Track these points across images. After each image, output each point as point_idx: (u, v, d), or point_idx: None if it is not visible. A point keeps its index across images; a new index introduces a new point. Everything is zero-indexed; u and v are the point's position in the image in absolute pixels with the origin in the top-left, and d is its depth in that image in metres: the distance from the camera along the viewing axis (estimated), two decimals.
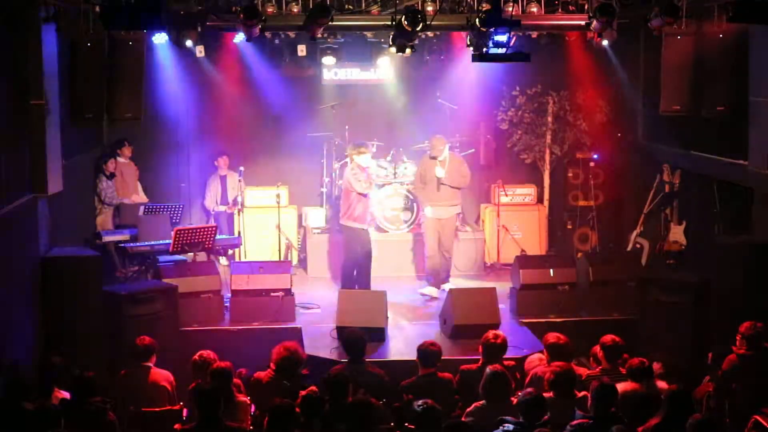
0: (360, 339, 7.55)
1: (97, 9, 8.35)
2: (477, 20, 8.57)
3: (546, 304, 10.14)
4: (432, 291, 10.90)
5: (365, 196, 10.60)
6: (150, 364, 7.35)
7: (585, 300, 10.28)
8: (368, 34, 11.50)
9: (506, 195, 12.70)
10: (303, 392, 6.42)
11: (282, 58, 12.23)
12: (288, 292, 10.05)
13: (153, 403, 7.12)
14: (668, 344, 8.72)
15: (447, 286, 10.74)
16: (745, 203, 9.99)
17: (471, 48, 9.04)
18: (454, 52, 12.19)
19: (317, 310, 10.44)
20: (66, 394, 6.76)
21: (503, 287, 10.65)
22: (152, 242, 10.81)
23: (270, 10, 9.69)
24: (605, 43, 9.99)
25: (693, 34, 9.59)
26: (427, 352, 7.31)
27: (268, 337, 9.03)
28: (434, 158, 10.78)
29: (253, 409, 6.97)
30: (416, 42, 9.56)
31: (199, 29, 9.68)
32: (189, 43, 9.97)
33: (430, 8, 9.63)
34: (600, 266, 10.47)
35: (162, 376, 7.32)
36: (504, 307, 10.00)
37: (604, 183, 13.00)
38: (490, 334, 7.47)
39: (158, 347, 7.50)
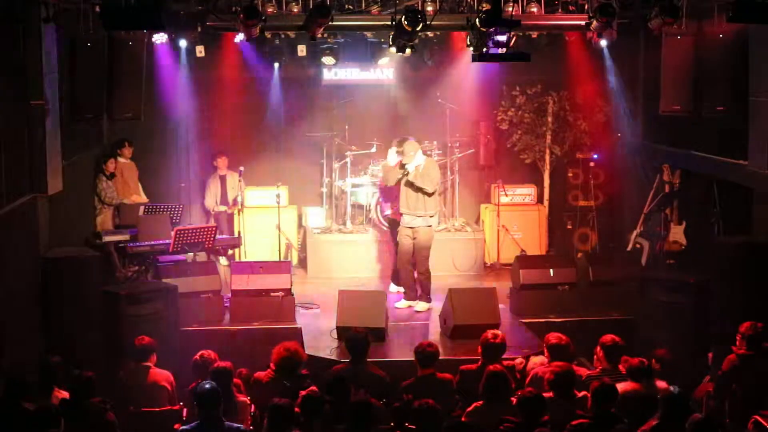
0: (363, 339, 7.53)
1: (97, 9, 8.35)
2: (477, 20, 8.57)
3: (546, 304, 10.14)
4: (404, 304, 10.46)
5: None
6: (150, 364, 7.35)
7: (585, 300, 10.28)
8: (368, 34, 11.50)
9: (506, 195, 12.70)
10: (303, 392, 6.43)
11: (282, 58, 12.23)
12: (288, 292, 10.05)
13: (153, 403, 7.12)
14: (668, 344, 8.71)
15: (421, 306, 10.40)
16: (745, 203, 9.99)
17: (471, 48, 9.04)
18: (454, 52, 12.20)
19: (317, 309, 10.43)
20: (66, 394, 6.76)
21: (503, 287, 10.66)
22: (152, 242, 10.80)
23: (270, 10, 9.70)
24: (604, 43, 9.99)
25: (693, 34, 9.59)
26: (425, 353, 7.31)
27: (268, 337, 9.04)
28: (403, 166, 10.25)
29: (253, 409, 6.97)
30: (416, 42, 9.55)
31: (199, 29, 9.68)
32: (188, 43, 9.99)
33: (430, 8, 9.63)
34: (600, 266, 10.47)
35: (162, 376, 7.32)
36: (504, 307, 10.00)
37: (604, 183, 13.00)
38: (489, 334, 7.46)
39: (158, 347, 7.50)
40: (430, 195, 10.20)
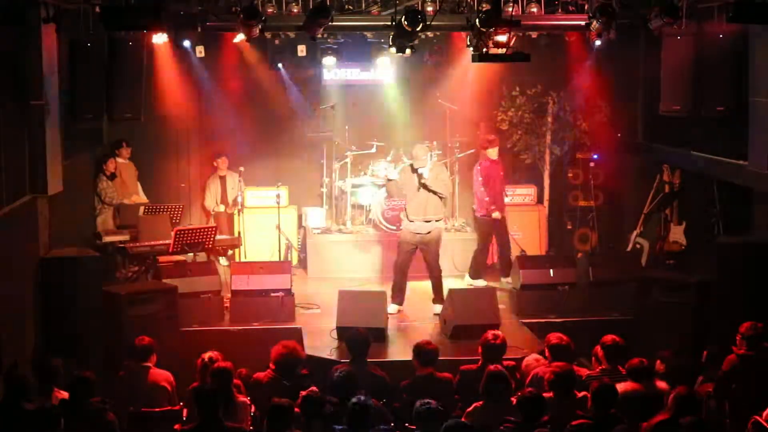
0: (364, 339, 7.53)
1: (97, 9, 8.35)
2: (477, 20, 8.56)
3: (546, 304, 10.14)
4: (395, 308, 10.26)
5: None
6: (149, 365, 7.34)
7: (585, 300, 10.28)
8: (368, 34, 11.50)
9: (506, 195, 12.67)
10: (303, 392, 6.43)
11: (282, 58, 12.24)
12: (288, 292, 10.04)
13: (153, 404, 7.11)
14: (668, 344, 8.72)
15: (439, 309, 10.26)
16: (745, 203, 9.99)
17: (471, 48, 9.03)
18: (454, 52, 12.20)
19: (317, 310, 10.42)
20: (65, 394, 6.76)
21: (503, 287, 10.64)
22: (152, 242, 10.80)
23: (270, 10, 9.70)
24: (598, 43, 10.00)
25: (693, 34, 9.59)
26: (424, 351, 7.31)
27: (268, 337, 9.01)
28: (416, 171, 10.06)
29: (253, 409, 6.96)
30: (416, 42, 9.54)
31: (199, 29, 9.68)
32: (189, 43, 9.99)
33: (430, 8, 9.63)
34: (600, 266, 10.47)
35: (162, 376, 7.30)
36: (504, 307, 10.00)
37: (604, 183, 12.99)
38: (490, 334, 7.47)
39: (158, 347, 7.49)
40: (443, 198, 10.18)
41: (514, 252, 11.88)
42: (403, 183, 10.32)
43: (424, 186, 10.04)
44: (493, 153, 11.47)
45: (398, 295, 10.30)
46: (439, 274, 10.33)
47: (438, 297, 10.27)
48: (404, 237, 10.33)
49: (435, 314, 10.16)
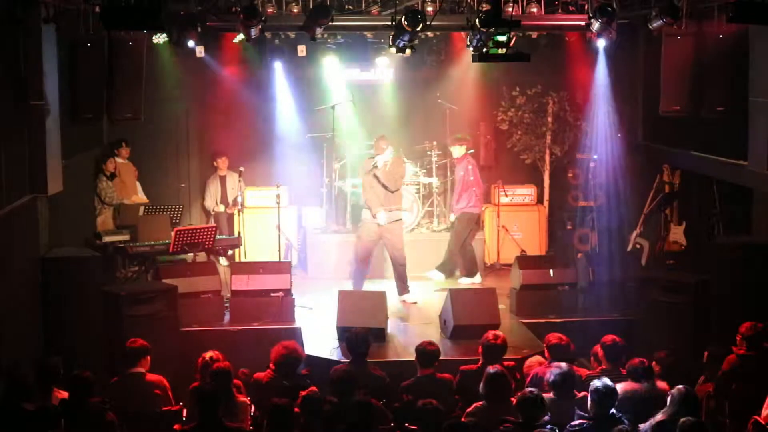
0: (364, 340, 7.53)
1: (97, 9, 8.35)
2: (477, 20, 8.57)
3: (546, 304, 10.14)
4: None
5: None
6: (142, 370, 7.17)
7: (585, 300, 10.28)
8: (368, 34, 11.51)
9: (506, 195, 12.69)
10: (303, 392, 6.43)
11: (282, 58, 12.24)
12: (288, 292, 10.04)
13: (147, 410, 7.05)
14: (668, 344, 8.71)
15: (409, 298, 10.65)
16: (745, 203, 10.00)
17: (471, 48, 9.04)
18: (454, 52, 12.21)
19: (309, 308, 10.40)
20: (66, 394, 6.75)
21: (503, 287, 10.66)
22: (152, 242, 10.81)
23: (270, 10, 9.72)
24: (601, 43, 10.01)
25: (693, 34, 9.60)
26: (425, 351, 7.31)
27: (268, 337, 9.02)
28: (371, 158, 10.64)
29: (253, 409, 6.96)
30: (416, 42, 9.55)
31: (199, 29, 9.68)
32: (189, 43, 9.99)
33: (430, 8, 9.64)
34: (600, 266, 10.46)
35: (154, 383, 7.16)
36: (504, 307, 10.00)
37: (604, 183, 12.99)
38: (490, 334, 7.47)
39: (151, 349, 7.34)
40: (392, 192, 10.51)
41: (514, 252, 11.90)
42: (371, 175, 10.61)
43: (375, 176, 10.44)
44: (453, 151, 11.73)
45: (358, 282, 10.65)
46: (403, 266, 10.64)
47: (403, 287, 10.64)
48: (367, 228, 10.61)
49: (403, 301, 10.58)
